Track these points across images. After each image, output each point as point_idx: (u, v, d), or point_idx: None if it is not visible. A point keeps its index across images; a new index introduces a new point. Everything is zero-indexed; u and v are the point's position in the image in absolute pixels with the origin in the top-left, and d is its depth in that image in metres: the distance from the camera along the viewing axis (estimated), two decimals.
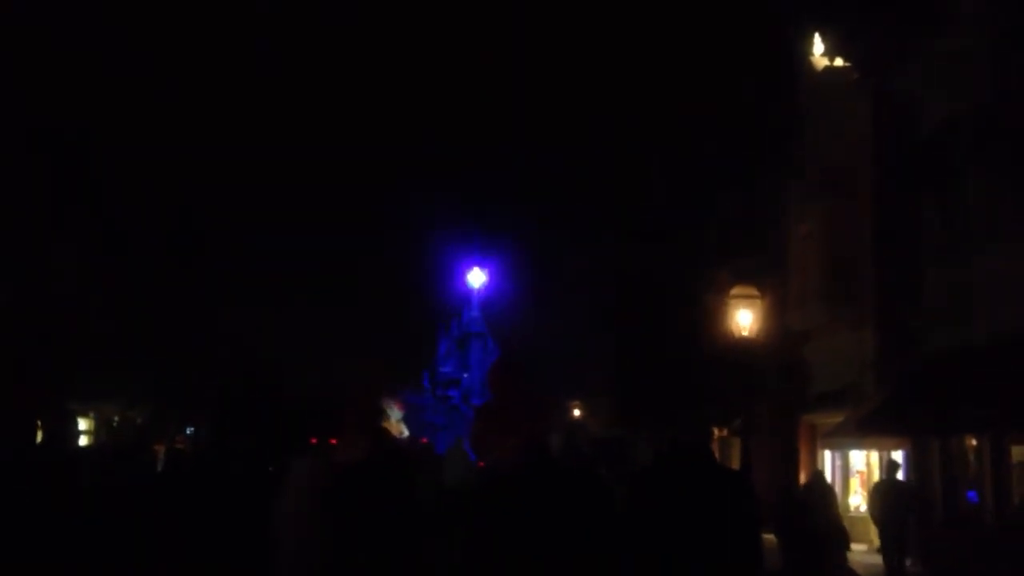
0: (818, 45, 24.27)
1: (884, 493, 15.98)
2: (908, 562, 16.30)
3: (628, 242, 37.82)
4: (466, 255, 61.93)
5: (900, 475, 16.71)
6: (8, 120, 25.07)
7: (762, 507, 5.12)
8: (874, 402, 19.67)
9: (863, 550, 18.47)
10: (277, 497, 6.78)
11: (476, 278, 63.31)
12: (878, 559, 16.24)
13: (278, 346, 34.30)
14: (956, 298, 17.52)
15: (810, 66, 24.36)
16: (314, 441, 16.92)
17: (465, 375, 61.76)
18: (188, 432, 29.78)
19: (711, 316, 24.28)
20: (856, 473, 22.68)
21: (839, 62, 23.58)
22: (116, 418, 25.92)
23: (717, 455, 6.05)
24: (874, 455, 21.06)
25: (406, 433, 42.54)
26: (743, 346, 18.90)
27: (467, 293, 63.72)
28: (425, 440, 24.88)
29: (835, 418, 21.79)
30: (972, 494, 17.37)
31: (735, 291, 19.28)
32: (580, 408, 41.54)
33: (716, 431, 23.86)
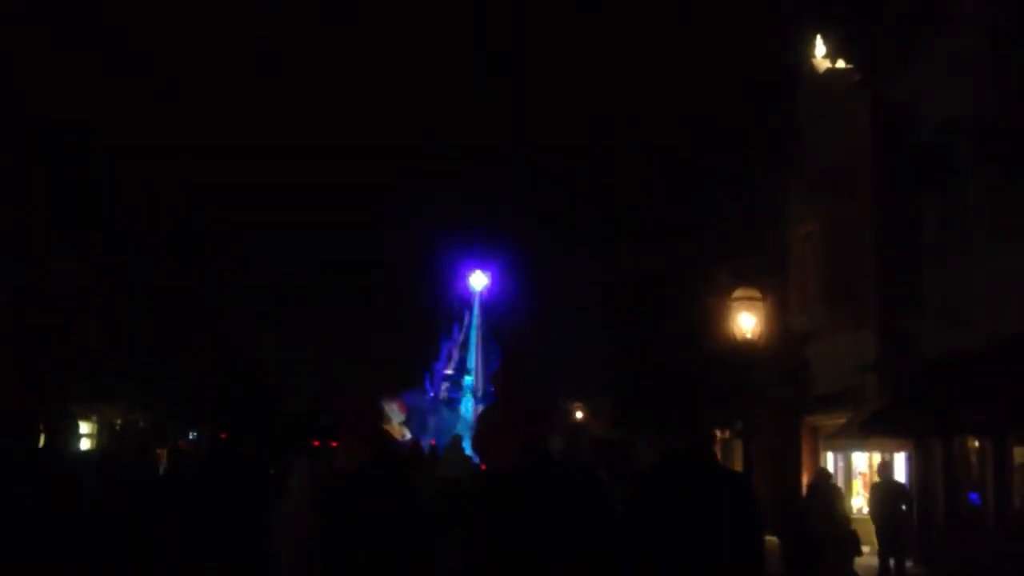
0: (819, 47, 24.26)
1: (878, 494, 15.99)
2: (908, 563, 16.28)
3: (628, 242, 37.80)
4: (468, 257, 61.94)
5: (900, 476, 16.70)
6: (8, 120, 25.06)
7: (764, 509, 5.11)
8: (876, 404, 19.65)
9: (867, 551, 18.44)
10: (278, 498, 6.78)
11: (478, 280, 63.34)
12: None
13: (279, 347, 34.33)
14: (957, 299, 17.50)
15: (811, 68, 24.36)
16: (316, 443, 16.90)
17: (467, 377, 61.76)
18: (191, 436, 29.77)
19: (712, 317, 24.26)
20: (859, 475, 22.67)
21: (840, 64, 23.57)
22: (119, 421, 25.92)
23: (719, 457, 6.04)
24: (876, 457, 21.04)
25: (408, 435, 42.55)
26: (744, 348, 18.86)
27: (469, 295, 63.74)
28: (416, 440, 24.86)
29: (836, 420, 21.77)
30: (974, 496, 17.35)
31: (737, 293, 19.24)
32: (582, 409, 41.52)
33: (718, 433, 23.85)
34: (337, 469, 5.98)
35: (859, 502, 21.93)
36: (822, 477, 17.07)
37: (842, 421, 21.17)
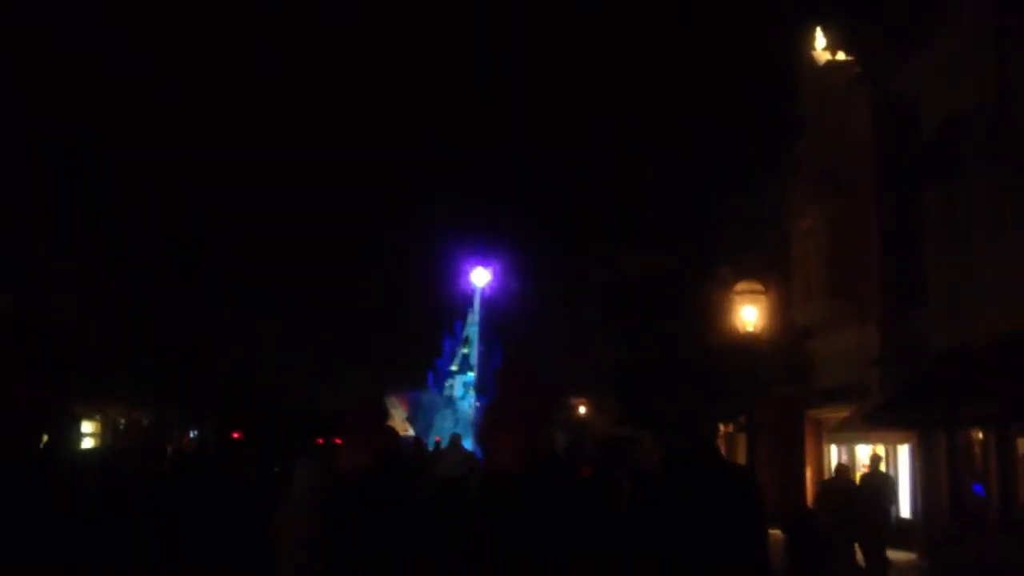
0: (819, 40, 24.20)
1: (867, 486, 16.02)
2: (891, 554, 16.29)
3: (630, 240, 37.82)
4: (469, 255, 61.98)
5: (904, 469, 16.68)
6: (8, 123, 25.07)
7: (767, 504, 5.08)
8: (879, 397, 19.63)
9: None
10: (281, 498, 6.78)
11: (480, 277, 63.37)
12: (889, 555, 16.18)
13: (280, 347, 34.36)
14: (960, 293, 17.47)
15: (811, 61, 24.30)
16: (320, 441, 16.90)
17: (469, 373, 61.82)
18: (192, 435, 29.80)
19: (714, 312, 24.24)
20: (862, 467, 22.64)
21: (841, 56, 23.50)
22: (123, 420, 25.92)
23: (723, 451, 6.02)
24: (881, 450, 21.03)
25: (411, 432, 42.57)
26: (748, 342, 18.84)
27: (471, 292, 63.78)
28: (419, 439, 24.85)
29: (840, 414, 21.75)
30: (978, 488, 17.33)
31: (740, 287, 19.22)
32: (586, 406, 41.51)
33: (722, 427, 23.85)
34: (339, 468, 5.96)
35: None
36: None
37: (846, 415, 21.16)
